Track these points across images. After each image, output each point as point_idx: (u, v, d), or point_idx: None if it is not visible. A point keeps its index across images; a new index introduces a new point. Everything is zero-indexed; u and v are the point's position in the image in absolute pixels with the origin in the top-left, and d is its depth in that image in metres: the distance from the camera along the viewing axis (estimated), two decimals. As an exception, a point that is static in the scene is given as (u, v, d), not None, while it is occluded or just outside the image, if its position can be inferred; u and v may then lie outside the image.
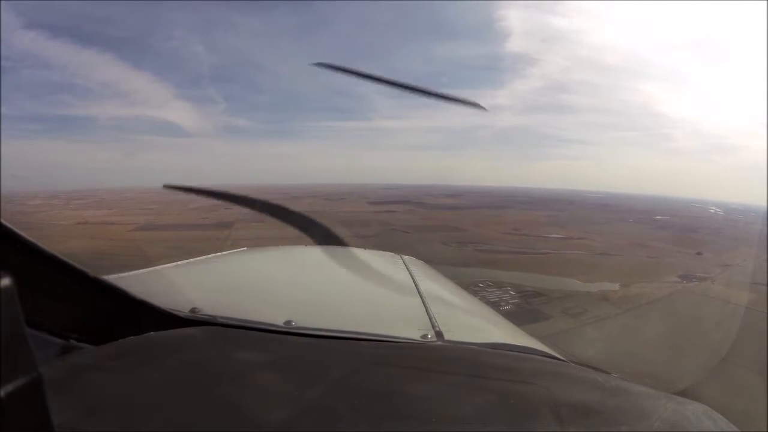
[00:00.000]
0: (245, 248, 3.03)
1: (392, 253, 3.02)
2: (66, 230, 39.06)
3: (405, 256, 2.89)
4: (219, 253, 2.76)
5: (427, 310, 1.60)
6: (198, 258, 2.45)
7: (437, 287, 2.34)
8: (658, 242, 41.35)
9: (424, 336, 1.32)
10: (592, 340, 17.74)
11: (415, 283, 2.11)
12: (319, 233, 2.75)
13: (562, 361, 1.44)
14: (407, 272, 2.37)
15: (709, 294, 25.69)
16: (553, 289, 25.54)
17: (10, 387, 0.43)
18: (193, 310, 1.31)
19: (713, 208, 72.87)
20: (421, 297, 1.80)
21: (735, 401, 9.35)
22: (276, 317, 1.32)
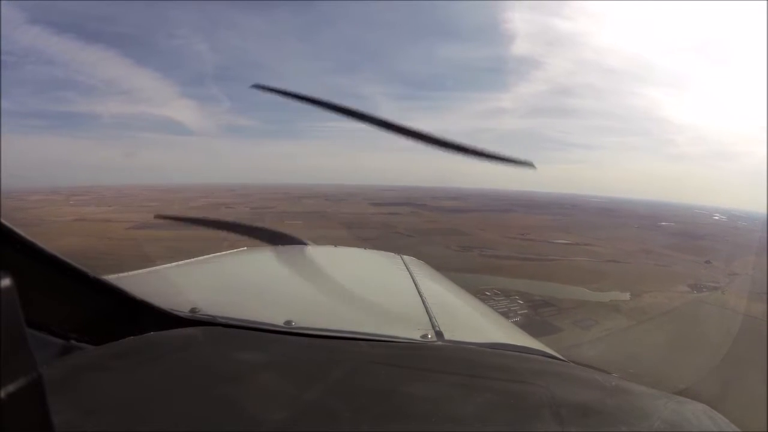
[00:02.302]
0: (245, 248, 2.94)
1: (392, 253, 2.97)
2: (62, 227, 38.90)
3: (405, 256, 2.84)
4: (219, 253, 2.70)
5: (427, 310, 1.59)
6: (198, 258, 2.41)
7: (437, 287, 2.31)
8: (665, 249, 40.81)
9: (424, 336, 1.31)
10: (607, 355, 17.04)
11: (415, 283, 2.09)
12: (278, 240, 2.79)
13: (562, 361, 1.41)
14: (407, 272, 2.34)
15: (721, 304, 25.05)
16: (562, 299, 24.87)
17: (10, 387, 0.43)
18: (193, 310, 1.30)
19: (717, 214, 72.54)
20: (421, 297, 1.79)
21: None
22: (276, 317, 1.32)
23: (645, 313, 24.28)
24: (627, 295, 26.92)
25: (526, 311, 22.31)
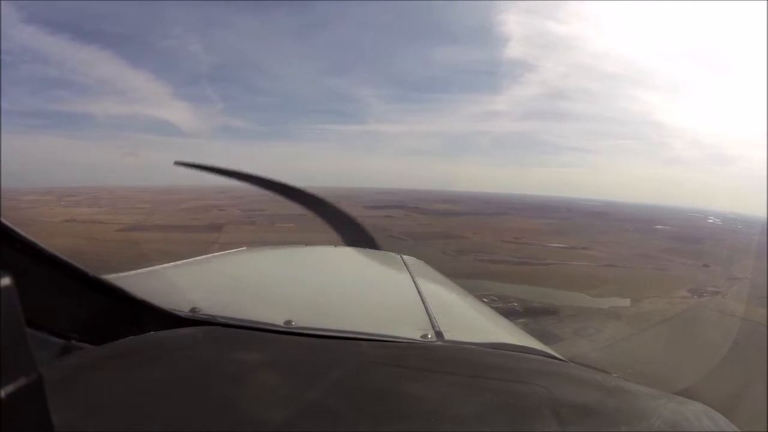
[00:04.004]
0: (245, 248, 2.95)
1: (392, 253, 2.96)
2: (51, 228, 38.21)
3: (405, 256, 2.83)
4: (219, 253, 2.71)
5: (427, 310, 1.58)
6: (198, 258, 2.40)
7: (437, 287, 2.27)
8: (662, 253, 40.46)
9: (424, 336, 1.31)
10: (613, 366, 16.30)
11: (415, 283, 2.06)
12: (353, 233, 2.77)
13: (562, 361, 1.40)
14: (407, 272, 2.31)
15: (723, 310, 24.51)
16: (561, 305, 24.17)
17: (10, 387, 0.43)
18: (193, 310, 1.31)
19: (712, 217, 72.70)
20: (421, 297, 1.78)
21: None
22: (276, 317, 1.32)
23: (647, 320, 23.66)
24: (627, 302, 26.36)
25: (525, 319, 21.48)
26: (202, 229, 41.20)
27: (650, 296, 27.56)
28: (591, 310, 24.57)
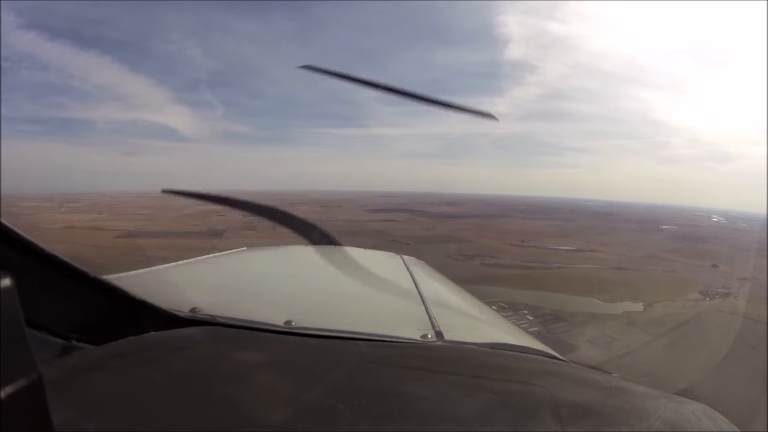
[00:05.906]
0: (245, 248, 2.91)
1: (392, 253, 2.94)
2: (50, 234, 37.95)
3: (405, 256, 2.80)
4: (219, 253, 2.69)
5: (427, 310, 1.59)
6: (198, 258, 2.39)
7: (437, 287, 2.28)
8: (670, 254, 40.02)
9: (424, 336, 1.32)
10: (634, 378, 15.70)
11: (415, 283, 2.07)
12: (321, 239, 2.71)
13: (562, 361, 1.41)
14: (407, 272, 2.33)
15: (737, 312, 23.92)
16: (572, 312, 23.55)
17: (10, 388, 0.43)
18: (193, 310, 1.31)
19: (715, 216, 72.33)
20: (421, 297, 1.78)
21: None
22: (276, 317, 1.32)
23: (662, 324, 23.03)
24: (640, 306, 25.76)
25: (537, 328, 20.78)
26: (202, 235, 40.92)
27: (662, 299, 26.94)
28: (603, 316, 23.94)
